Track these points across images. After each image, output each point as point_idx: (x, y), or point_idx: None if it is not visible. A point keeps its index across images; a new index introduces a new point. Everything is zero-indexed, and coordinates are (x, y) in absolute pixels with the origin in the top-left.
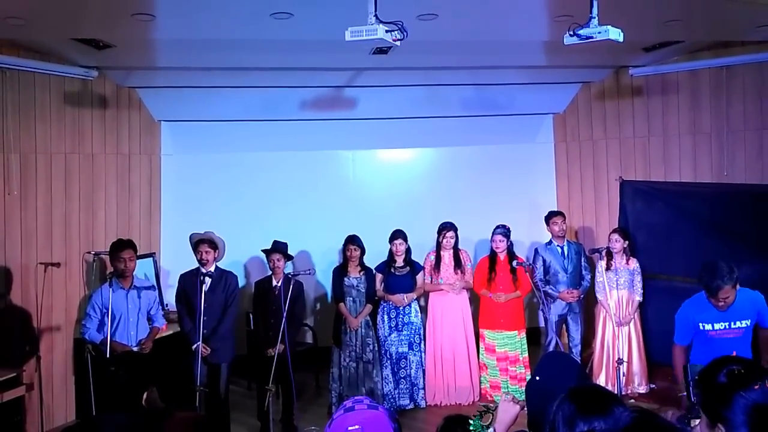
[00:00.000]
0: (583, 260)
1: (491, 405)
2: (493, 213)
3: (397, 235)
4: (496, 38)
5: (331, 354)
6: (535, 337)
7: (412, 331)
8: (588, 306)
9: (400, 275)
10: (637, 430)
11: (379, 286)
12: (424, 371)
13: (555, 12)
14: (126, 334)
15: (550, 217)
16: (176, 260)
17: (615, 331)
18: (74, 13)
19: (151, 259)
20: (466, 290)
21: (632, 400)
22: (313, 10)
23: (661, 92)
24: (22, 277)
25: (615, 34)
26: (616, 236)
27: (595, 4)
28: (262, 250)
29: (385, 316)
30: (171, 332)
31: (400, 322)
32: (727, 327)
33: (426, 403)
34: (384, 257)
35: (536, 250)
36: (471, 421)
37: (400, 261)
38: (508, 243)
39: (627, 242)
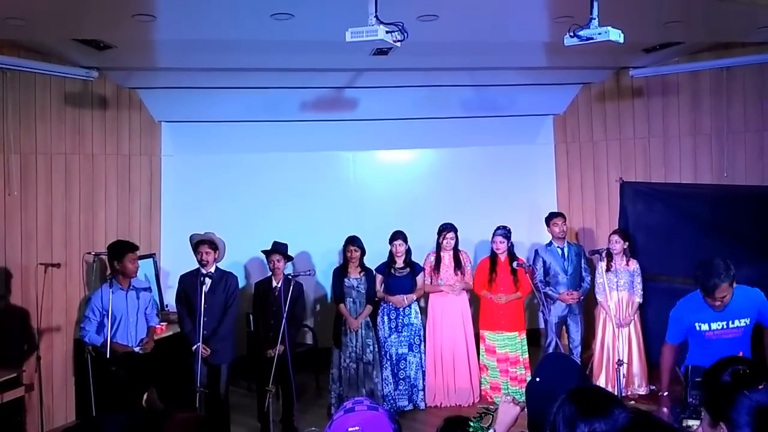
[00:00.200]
0: (583, 262)
1: (491, 407)
2: (493, 214)
3: (397, 236)
4: (496, 39)
5: (331, 355)
6: (535, 338)
7: (412, 332)
8: (588, 307)
9: (400, 276)
10: (635, 429)
11: (379, 287)
12: (423, 372)
13: (555, 13)
14: (126, 335)
15: (550, 219)
16: (176, 261)
17: (615, 333)
18: (75, 14)
19: (151, 259)
20: (466, 291)
21: (632, 402)
22: (314, 11)
23: (662, 93)
24: (22, 278)
25: (615, 35)
26: (616, 237)
27: (595, 5)
28: (262, 251)
29: (385, 317)
30: (171, 333)
31: (400, 323)
32: (725, 327)
33: (426, 404)
34: (384, 258)
35: (536, 252)
36: (471, 423)
37: (400, 262)
38: (509, 244)
39: (627, 243)
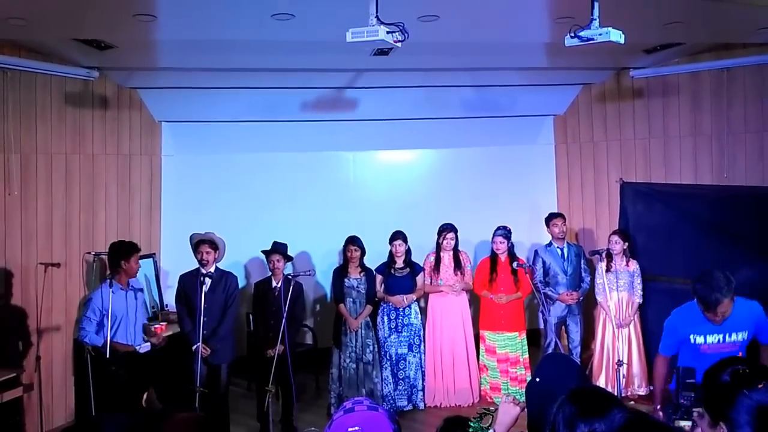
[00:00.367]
0: (582, 262)
1: (491, 407)
2: (493, 214)
3: (397, 236)
4: (497, 39)
5: (330, 355)
6: (535, 338)
7: (412, 333)
8: (588, 308)
9: (400, 276)
10: (632, 429)
11: (379, 287)
12: (423, 373)
13: (556, 13)
14: (126, 334)
15: (550, 219)
16: (176, 261)
17: (615, 333)
18: (76, 14)
19: (151, 259)
20: (466, 292)
21: (632, 402)
22: (314, 12)
23: (662, 94)
24: (22, 278)
25: (616, 35)
26: (615, 238)
27: (596, 5)
28: (262, 251)
29: (385, 317)
30: (170, 333)
31: (399, 324)
32: (722, 340)
33: (425, 404)
34: (384, 258)
35: (536, 252)
36: (471, 423)
37: (400, 262)
38: (509, 244)
39: (627, 244)
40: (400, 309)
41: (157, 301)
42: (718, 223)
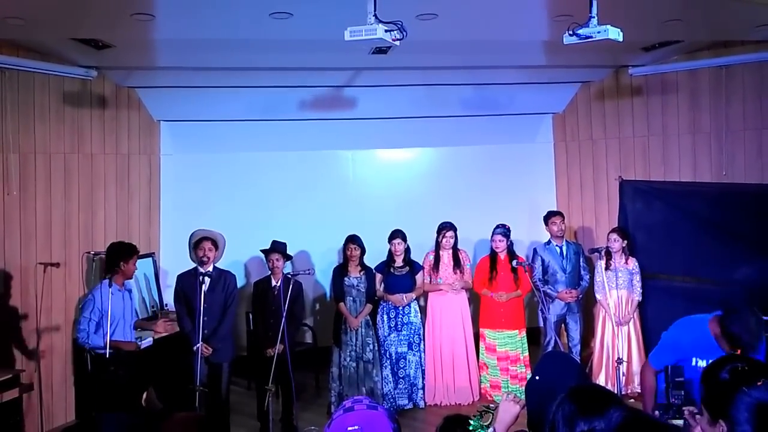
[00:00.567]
0: (581, 260)
1: (491, 405)
2: (492, 213)
3: (396, 234)
4: (495, 38)
5: (330, 354)
6: (534, 336)
7: (412, 331)
8: (587, 306)
9: (400, 275)
10: (629, 428)
11: (378, 286)
12: (423, 371)
13: (554, 11)
14: (123, 334)
15: (548, 217)
16: (175, 260)
17: (614, 331)
18: (74, 13)
19: (151, 259)
20: (465, 290)
21: (632, 400)
22: (313, 10)
23: (661, 92)
24: (22, 278)
25: (614, 33)
26: (614, 236)
27: (594, 3)
28: (261, 250)
29: (385, 316)
30: (168, 334)
31: (399, 322)
32: None
33: (425, 403)
34: (383, 257)
35: (535, 250)
36: (471, 421)
37: (399, 261)
38: (508, 242)
39: (626, 242)
40: (400, 308)
41: (157, 300)
42: (717, 220)
